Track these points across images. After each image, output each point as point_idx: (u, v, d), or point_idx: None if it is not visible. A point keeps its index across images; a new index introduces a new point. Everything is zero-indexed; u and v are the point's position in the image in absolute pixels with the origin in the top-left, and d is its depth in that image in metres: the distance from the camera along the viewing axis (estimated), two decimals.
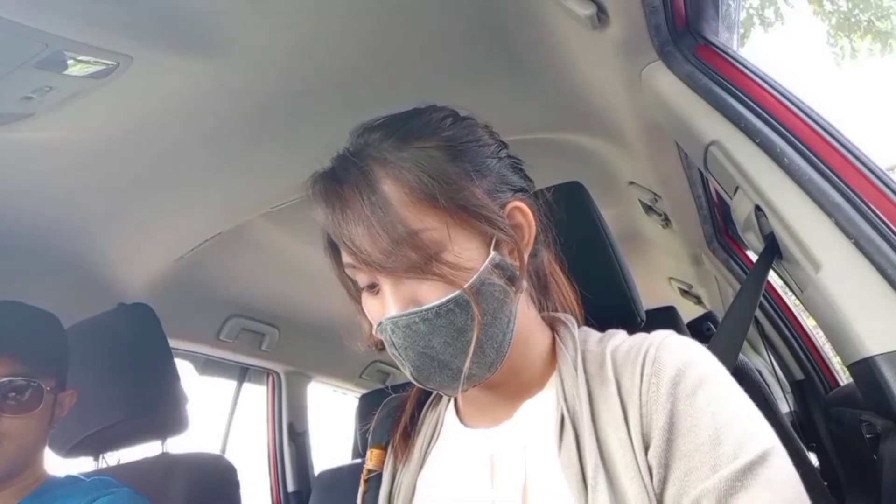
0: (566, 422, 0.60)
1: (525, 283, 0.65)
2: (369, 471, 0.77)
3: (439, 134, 0.63)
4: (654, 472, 0.54)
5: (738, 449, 0.52)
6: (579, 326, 0.72)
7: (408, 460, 0.73)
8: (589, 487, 0.55)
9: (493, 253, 0.60)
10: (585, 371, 0.63)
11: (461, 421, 0.71)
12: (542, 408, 0.65)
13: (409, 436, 0.75)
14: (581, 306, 0.77)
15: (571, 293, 0.77)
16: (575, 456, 0.58)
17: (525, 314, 0.66)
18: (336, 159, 0.64)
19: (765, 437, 0.53)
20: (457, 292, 0.58)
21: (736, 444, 0.52)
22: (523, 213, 0.65)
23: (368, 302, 0.64)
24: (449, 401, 0.75)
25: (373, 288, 0.63)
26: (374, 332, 0.64)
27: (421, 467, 0.71)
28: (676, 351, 0.59)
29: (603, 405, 0.60)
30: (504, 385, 0.66)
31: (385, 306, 0.60)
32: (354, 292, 0.68)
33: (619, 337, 0.67)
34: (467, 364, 0.58)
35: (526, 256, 0.64)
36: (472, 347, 0.58)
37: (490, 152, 0.66)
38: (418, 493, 0.70)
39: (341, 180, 0.61)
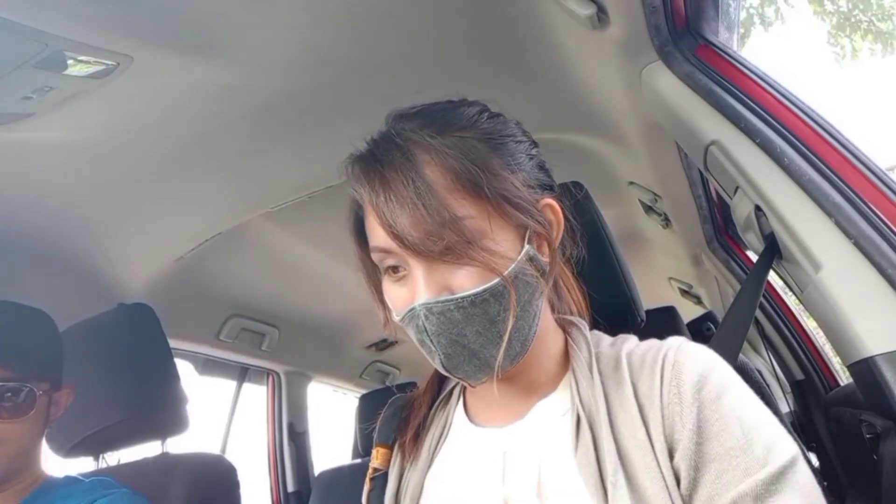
0: (582, 422, 0.61)
1: (551, 280, 0.66)
2: (375, 469, 0.76)
3: (477, 126, 0.63)
4: (683, 474, 0.55)
5: (768, 453, 0.54)
6: (590, 329, 0.72)
7: (415, 460, 0.73)
8: (609, 486, 0.56)
9: (527, 246, 0.61)
10: (600, 373, 0.64)
11: (471, 420, 0.71)
12: (555, 408, 0.66)
13: (418, 435, 0.75)
14: (589, 308, 0.77)
15: (580, 296, 0.77)
16: (592, 456, 0.59)
17: (544, 312, 0.67)
18: (373, 142, 0.64)
19: (788, 441, 0.55)
20: (494, 281, 0.58)
21: (764, 449, 0.54)
22: (554, 210, 0.66)
23: (392, 288, 0.63)
24: (458, 400, 0.75)
25: (397, 272, 0.62)
26: (394, 319, 0.63)
27: (429, 466, 0.71)
28: (695, 356, 0.60)
29: (619, 407, 0.61)
30: (516, 380, 0.67)
31: (415, 292, 0.59)
32: (375, 277, 0.67)
33: (632, 341, 0.68)
34: (501, 355, 0.59)
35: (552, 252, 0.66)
36: (507, 337, 0.59)
37: (524, 149, 0.67)
38: (426, 492, 0.70)
39: (383, 162, 0.60)
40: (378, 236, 0.61)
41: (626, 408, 0.60)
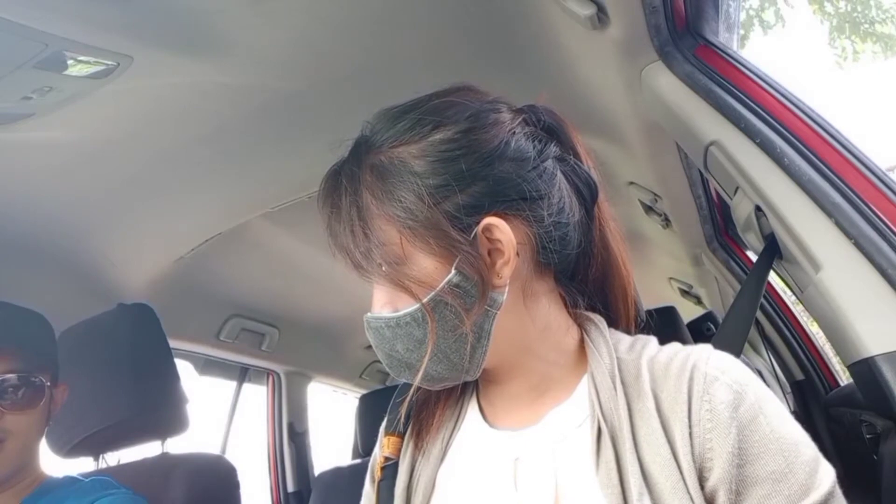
0: (604, 437, 0.58)
1: (505, 297, 0.61)
2: (386, 458, 0.73)
3: (427, 139, 0.61)
4: (722, 499, 0.53)
5: (810, 478, 0.53)
6: (617, 326, 0.69)
7: (428, 452, 0.70)
8: None
9: (452, 272, 0.59)
10: (623, 383, 0.60)
11: (484, 418, 0.69)
12: (572, 416, 0.62)
13: (430, 426, 0.72)
14: (634, 305, 0.73)
15: (631, 294, 0.72)
16: (615, 476, 0.56)
17: (530, 322, 0.64)
18: (342, 160, 0.66)
19: (826, 462, 0.55)
20: (415, 306, 0.60)
21: (807, 474, 0.53)
22: (500, 230, 0.60)
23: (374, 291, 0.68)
24: (472, 394, 0.72)
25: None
26: None
27: (441, 461, 0.69)
28: (727, 370, 0.57)
29: (640, 421, 0.58)
30: (513, 385, 0.65)
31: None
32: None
33: (652, 345, 0.64)
34: (419, 376, 0.62)
35: (506, 272, 0.61)
36: (427, 359, 0.61)
37: (485, 157, 0.61)
38: (438, 488, 0.67)
39: (339, 183, 0.64)
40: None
41: (649, 422, 0.57)
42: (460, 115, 0.63)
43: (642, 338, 0.67)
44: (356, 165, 0.63)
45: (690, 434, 0.55)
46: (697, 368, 0.58)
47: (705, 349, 0.61)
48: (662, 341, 0.66)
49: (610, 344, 0.64)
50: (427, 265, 0.60)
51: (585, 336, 0.67)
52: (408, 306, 0.60)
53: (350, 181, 0.62)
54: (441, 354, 0.61)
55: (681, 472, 0.54)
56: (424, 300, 0.59)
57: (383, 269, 0.61)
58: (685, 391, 0.57)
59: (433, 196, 0.59)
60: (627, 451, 0.56)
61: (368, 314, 0.65)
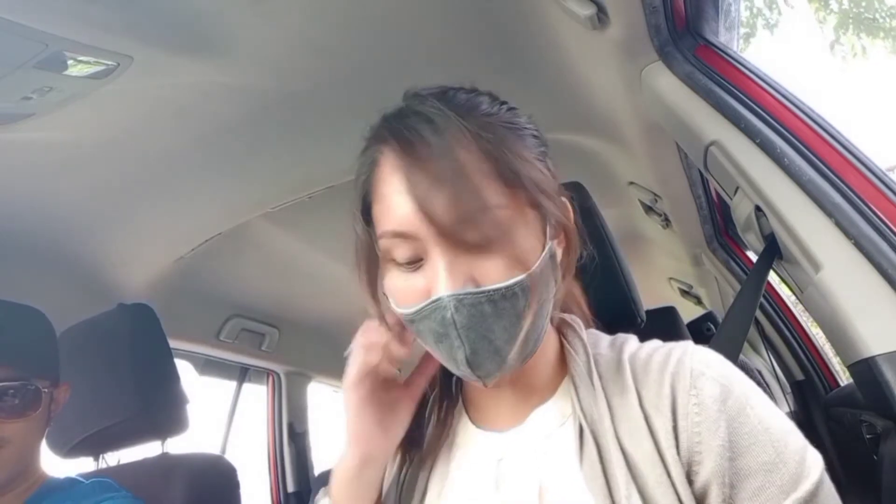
0: (585, 433, 0.58)
1: (569, 278, 0.64)
2: None
3: (500, 114, 0.60)
4: (715, 491, 0.53)
5: (800, 467, 0.53)
6: (586, 328, 0.70)
7: (417, 457, 0.70)
8: (622, 500, 0.53)
9: (550, 242, 0.59)
10: (601, 377, 0.61)
11: (472, 421, 0.69)
12: (553, 415, 0.63)
13: (419, 431, 0.72)
14: (589, 306, 0.75)
15: (579, 292, 0.74)
16: (598, 469, 0.56)
17: None
18: (396, 116, 0.59)
19: (813, 450, 0.55)
20: (523, 276, 0.54)
21: (797, 463, 0.53)
22: (568, 209, 0.64)
23: (401, 278, 0.57)
24: (458, 399, 0.72)
25: (413, 265, 0.57)
26: (399, 312, 0.58)
27: (432, 466, 0.69)
28: (710, 364, 0.58)
29: (623, 416, 0.58)
30: (517, 384, 0.65)
31: (434, 283, 0.54)
32: (373, 269, 0.62)
33: (632, 342, 0.65)
34: (515, 352, 0.55)
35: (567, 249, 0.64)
36: (523, 335, 0.55)
37: (539, 143, 0.64)
38: (428, 492, 0.67)
39: (414, 135, 0.55)
40: (396, 218, 0.55)
41: (631, 416, 0.57)
42: (507, 105, 0.64)
43: (621, 336, 0.67)
44: (438, 124, 0.55)
45: (675, 427, 0.55)
46: (682, 364, 0.58)
47: (686, 345, 0.61)
48: (663, 341, 0.66)
49: (586, 343, 0.65)
50: (532, 232, 0.57)
51: (563, 338, 0.67)
52: (505, 277, 0.54)
53: (442, 141, 0.54)
54: (525, 333, 0.55)
55: (665, 465, 0.54)
56: (534, 266, 0.55)
57: (488, 234, 0.53)
58: (668, 385, 0.57)
59: (540, 159, 0.60)
60: (610, 444, 0.56)
61: (452, 291, 0.53)
